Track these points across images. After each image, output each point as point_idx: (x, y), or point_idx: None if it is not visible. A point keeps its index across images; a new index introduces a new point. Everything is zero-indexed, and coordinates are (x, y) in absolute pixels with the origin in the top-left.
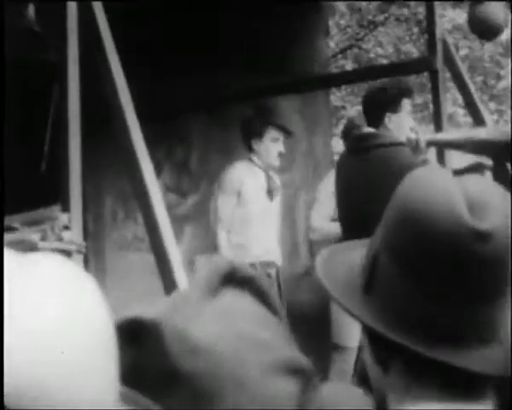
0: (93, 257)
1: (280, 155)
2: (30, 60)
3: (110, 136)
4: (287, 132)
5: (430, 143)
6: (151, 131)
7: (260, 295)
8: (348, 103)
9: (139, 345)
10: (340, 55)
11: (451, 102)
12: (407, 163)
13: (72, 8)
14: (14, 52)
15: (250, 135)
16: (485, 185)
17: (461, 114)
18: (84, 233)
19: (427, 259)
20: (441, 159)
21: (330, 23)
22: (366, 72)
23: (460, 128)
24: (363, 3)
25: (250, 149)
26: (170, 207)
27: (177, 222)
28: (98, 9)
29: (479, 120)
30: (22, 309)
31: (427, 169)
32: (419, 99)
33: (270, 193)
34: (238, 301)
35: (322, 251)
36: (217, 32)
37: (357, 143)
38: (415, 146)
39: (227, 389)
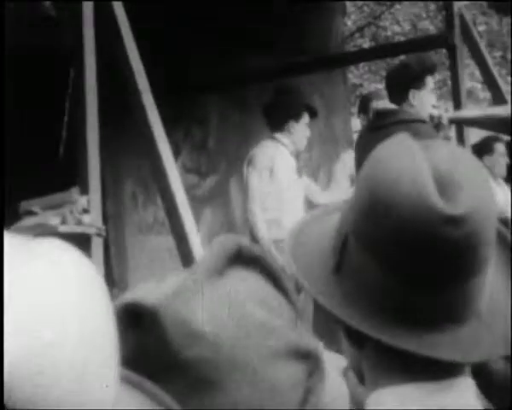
0: (114, 240)
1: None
2: (47, 46)
3: (130, 120)
4: (315, 116)
5: (452, 121)
6: (169, 114)
7: (269, 276)
8: (366, 81)
9: (140, 330)
10: (357, 34)
11: (470, 77)
12: (430, 140)
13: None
14: (30, 39)
15: (288, 116)
16: (457, 159)
17: (479, 89)
18: (105, 217)
19: (395, 245)
20: (460, 135)
21: (347, 2)
22: (384, 49)
23: (479, 104)
24: None
25: (281, 129)
26: (189, 188)
27: (197, 203)
28: None
29: (498, 95)
30: (24, 300)
31: (392, 144)
32: (438, 76)
33: (300, 171)
34: (244, 283)
35: (297, 223)
36: (233, 11)
37: (377, 120)
38: (437, 123)
39: (228, 375)
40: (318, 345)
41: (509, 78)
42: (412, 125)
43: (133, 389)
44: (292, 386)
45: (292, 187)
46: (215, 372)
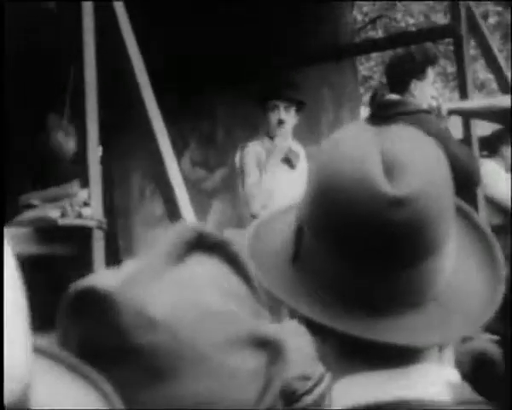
0: (122, 234)
1: (280, 122)
2: (49, 44)
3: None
4: (289, 100)
5: (451, 112)
6: (178, 107)
7: (231, 262)
8: (376, 73)
9: (93, 315)
10: (369, 26)
11: (484, 68)
12: (434, 130)
13: None
14: (33, 37)
15: (263, 108)
16: (409, 142)
17: (493, 80)
18: (112, 210)
19: (342, 229)
20: (467, 126)
21: None
22: (389, 40)
23: (494, 95)
24: None
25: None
26: (197, 182)
27: (205, 196)
28: None
29: (504, 86)
30: None
31: (343, 131)
32: (451, 68)
33: (289, 162)
34: (204, 269)
35: (256, 221)
36: (243, 5)
37: (381, 110)
38: (436, 114)
39: (184, 363)
40: (280, 333)
41: None
42: (416, 115)
43: (73, 374)
44: (252, 375)
45: (283, 181)
46: (168, 360)
